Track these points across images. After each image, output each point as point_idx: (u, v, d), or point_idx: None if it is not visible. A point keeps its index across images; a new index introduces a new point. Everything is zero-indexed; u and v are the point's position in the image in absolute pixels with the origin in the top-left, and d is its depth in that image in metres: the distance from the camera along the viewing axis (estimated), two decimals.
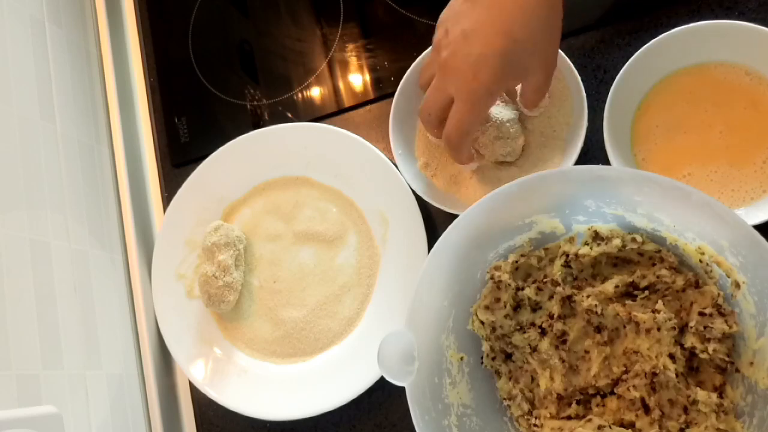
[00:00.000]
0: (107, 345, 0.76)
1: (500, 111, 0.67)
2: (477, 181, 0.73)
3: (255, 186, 0.81)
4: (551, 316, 0.61)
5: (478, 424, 0.61)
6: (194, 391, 0.80)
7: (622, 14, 0.73)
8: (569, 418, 0.60)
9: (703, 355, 0.55)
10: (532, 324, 0.62)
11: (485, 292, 0.62)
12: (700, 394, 0.54)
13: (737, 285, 0.54)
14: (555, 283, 0.60)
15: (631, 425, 0.58)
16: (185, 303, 0.79)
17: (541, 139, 0.70)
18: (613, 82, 0.66)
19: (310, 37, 0.86)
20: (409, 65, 0.74)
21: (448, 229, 0.59)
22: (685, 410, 0.56)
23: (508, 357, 0.63)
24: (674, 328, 0.56)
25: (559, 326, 0.60)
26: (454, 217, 0.60)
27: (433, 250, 0.58)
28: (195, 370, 0.76)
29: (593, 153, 0.69)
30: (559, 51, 0.69)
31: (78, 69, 0.86)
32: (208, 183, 0.81)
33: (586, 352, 0.60)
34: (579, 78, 0.68)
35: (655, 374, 0.56)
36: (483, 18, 0.56)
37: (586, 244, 0.60)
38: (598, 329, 0.60)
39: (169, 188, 0.86)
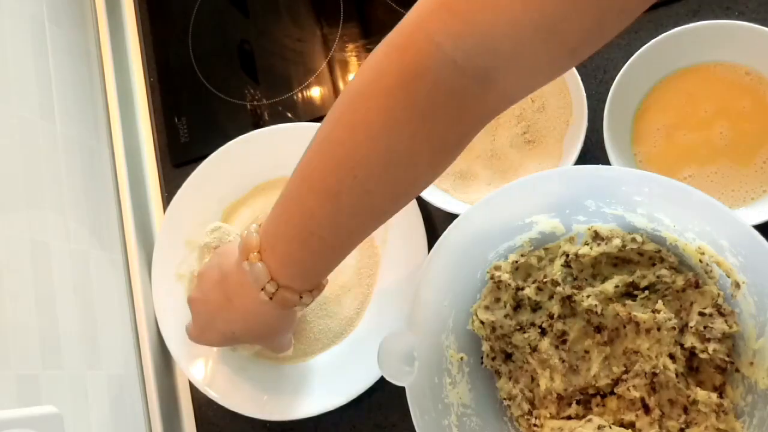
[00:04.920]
0: (107, 345, 0.76)
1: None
2: (477, 181, 0.73)
3: (255, 186, 0.81)
4: (551, 316, 0.61)
5: (478, 424, 0.61)
6: (194, 391, 0.80)
7: None
8: (569, 418, 0.60)
9: (703, 355, 0.55)
10: (532, 324, 0.62)
11: (485, 292, 0.62)
12: (700, 394, 0.54)
13: (737, 285, 0.54)
14: (555, 283, 0.60)
15: (631, 425, 0.58)
16: (185, 303, 0.79)
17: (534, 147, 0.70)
18: (613, 82, 0.66)
19: (310, 37, 0.86)
20: None
21: (448, 229, 0.59)
22: (685, 410, 0.56)
23: (508, 357, 0.63)
24: (674, 328, 0.56)
25: (559, 326, 0.60)
26: (454, 217, 0.60)
27: (433, 250, 0.58)
28: (195, 370, 0.76)
29: (593, 153, 0.69)
30: None
31: (78, 69, 0.86)
32: (208, 183, 0.81)
33: (586, 352, 0.60)
34: (579, 78, 0.68)
35: (655, 374, 0.56)
36: (217, 298, 0.63)
37: (586, 244, 0.60)
38: (598, 329, 0.60)
39: (169, 188, 0.86)
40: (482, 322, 0.61)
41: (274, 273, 0.57)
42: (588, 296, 0.59)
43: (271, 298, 0.58)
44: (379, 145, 0.48)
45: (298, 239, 0.55)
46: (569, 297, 0.60)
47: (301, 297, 0.59)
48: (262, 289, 0.57)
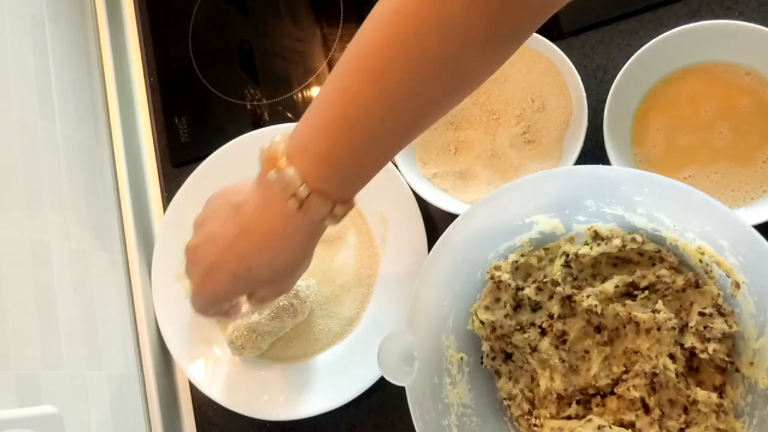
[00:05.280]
0: (107, 345, 0.76)
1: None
2: (477, 181, 0.73)
3: None
4: (551, 316, 0.61)
5: (478, 424, 0.61)
6: (194, 391, 0.80)
7: (622, 14, 0.73)
8: (569, 418, 0.60)
9: (703, 355, 0.55)
10: (532, 324, 0.62)
11: (485, 292, 0.62)
12: (700, 394, 0.54)
13: (737, 285, 0.54)
14: (555, 283, 0.60)
15: (631, 425, 0.58)
16: (185, 303, 0.79)
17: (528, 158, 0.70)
18: (613, 82, 0.66)
19: (310, 37, 0.86)
20: None
21: (448, 229, 0.59)
22: (685, 410, 0.56)
23: (508, 357, 0.63)
24: (674, 328, 0.56)
25: (559, 326, 0.60)
26: (454, 217, 0.60)
27: (433, 250, 0.58)
28: (195, 370, 0.76)
29: (593, 153, 0.69)
30: (559, 51, 0.69)
31: (78, 69, 0.86)
32: (208, 183, 0.81)
33: (586, 352, 0.60)
34: (579, 78, 0.68)
35: (655, 374, 0.56)
36: (229, 232, 0.54)
37: (586, 244, 0.60)
38: (598, 329, 0.60)
39: (169, 188, 0.86)
40: (482, 322, 0.61)
41: (306, 175, 0.49)
42: (588, 296, 0.59)
43: (300, 207, 0.50)
44: (431, 11, 0.43)
45: (336, 132, 0.48)
46: (569, 297, 0.60)
47: (333, 208, 0.51)
48: (293, 196, 0.49)
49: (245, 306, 0.65)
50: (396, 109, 0.47)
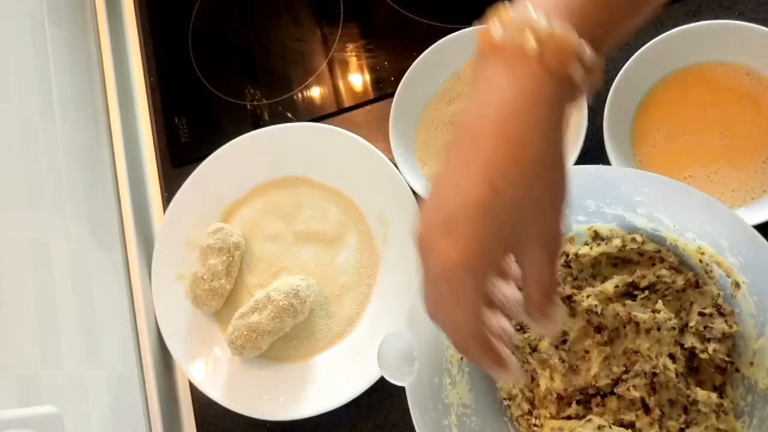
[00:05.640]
0: (107, 345, 0.76)
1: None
2: None
3: (255, 186, 0.81)
4: None
5: (478, 424, 0.61)
6: (194, 391, 0.80)
7: None
8: (569, 418, 0.60)
9: (703, 355, 0.55)
10: None
11: None
12: (700, 394, 0.54)
13: (737, 285, 0.54)
14: None
15: (631, 425, 0.58)
16: (185, 303, 0.79)
17: None
18: (613, 82, 0.66)
19: (310, 37, 0.86)
20: (409, 65, 0.74)
21: None
22: (685, 410, 0.56)
23: None
24: (674, 328, 0.56)
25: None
26: None
27: None
28: (195, 370, 0.76)
29: (593, 153, 0.69)
30: None
31: (78, 69, 0.86)
32: (208, 183, 0.81)
33: (586, 352, 0.60)
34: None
35: (655, 374, 0.56)
36: (459, 163, 0.38)
37: (586, 244, 0.60)
38: (598, 329, 0.60)
39: (169, 188, 0.86)
40: None
41: (543, 7, 0.37)
42: (588, 296, 0.59)
43: (541, 54, 0.36)
44: None
45: None
46: (569, 297, 0.60)
47: (582, 52, 0.37)
48: (527, 30, 0.37)
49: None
50: None
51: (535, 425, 0.61)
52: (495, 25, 0.38)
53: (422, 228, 0.39)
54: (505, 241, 0.38)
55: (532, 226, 0.38)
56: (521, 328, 0.62)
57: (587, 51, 0.37)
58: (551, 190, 0.39)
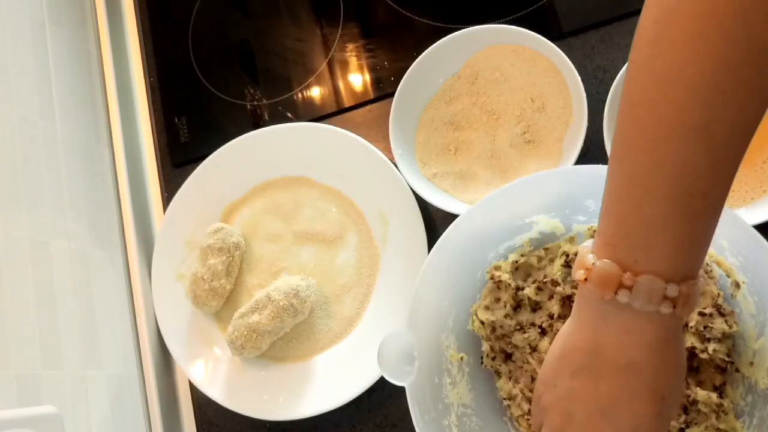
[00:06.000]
0: (107, 345, 0.76)
1: None
2: (477, 181, 0.73)
3: (255, 186, 0.81)
4: (551, 316, 0.61)
5: (478, 424, 0.61)
6: (194, 391, 0.80)
7: (622, 14, 0.73)
8: None
9: (703, 355, 0.55)
10: (532, 324, 0.62)
11: (485, 292, 0.62)
12: (700, 394, 0.54)
13: (737, 285, 0.54)
14: (555, 283, 0.60)
15: None
16: (185, 303, 0.79)
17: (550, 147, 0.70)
18: (613, 82, 0.66)
19: (310, 37, 0.86)
20: (409, 65, 0.74)
21: (448, 229, 0.59)
22: (685, 410, 0.56)
23: (508, 357, 0.63)
24: None
25: (559, 326, 0.60)
26: (454, 217, 0.60)
27: (433, 250, 0.58)
28: (195, 370, 0.76)
29: (593, 153, 0.69)
30: (560, 51, 0.69)
31: (78, 69, 0.86)
32: (208, 183, 0.81)
33: None
34: (579, 78, 0.68)
35: None
36: (620, 386, 0.44)
37: None
38: None
39: (169, 188, 0.86)
40: (482, 322, 0.61)
41: (660, 271, 0.41)
42: None
43: (674, 306, 0.42)
44: (735, 34, 0.36)
45: (674, 209, 0.40)
46: (569, 297, 0.60)
47: (696, 297, 0.43)
48: (663, 300, 0.42)
49: None
50: (727, 155, 0.39)
51: None
52: (612, 284, 0.42)
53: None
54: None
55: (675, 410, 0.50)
56: (521, 329, 0.62)
57: (678, 289, 0.42)
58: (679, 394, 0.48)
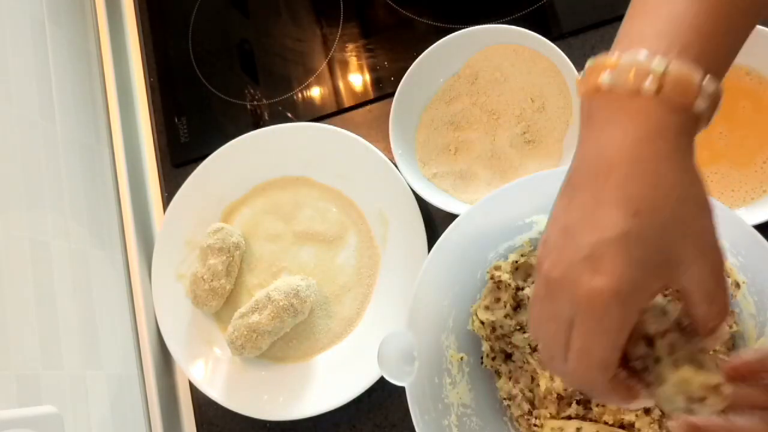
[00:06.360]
0: (107, 345, 0.76)
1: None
2: (477, 181, 0.73)
3: (255, 186, 0.81)
4: None
5: (478, 424, 0.61)
6: (194, 391, 0.80)
7: (622, 14, 0.73)
8: (569, 418, 0.60)
9: None
10: None
11: (485, 292, 0.62)
12: None
13: (737, 285, 0.54)
14: None
15: (631, 425, 0.58)
16: (185, 303, 0.79)
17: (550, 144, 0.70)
18: None
19: (310, 37, 0.86)
20: (409, 65, 0.74)
21: (448, 229, 0.59)
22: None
23: (508, 357, 0.63)
24: None
25: None
26: (454, 217, 0.60)
27: (433, 250, 0.59)
28: (195, 370, 0.76)
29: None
30: (559, 51, 0.69)
31: (78, 69, 0.86)
32: (208, 183, 0.81)
33: None
34: (579, 78, 0.67)
35: None
36: (586, 199, 0.37)
37: None
38: None
39: (169, 188, 0.86)
40: (482, 322, 0.61)
41: (655, 50, 0.37)
42: None
43: (658, 90, 0.36)
44: None
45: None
46: None
47: (701, 82, 0.37)
48: (645, 76, 0.36)
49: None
50: None
51: (535, 425, 0.61)
52: (599, 73, 0.38)
53: (558, 270, 0.37)
54: (659, 267, 0.36)
55: (689, 245, 0.37)
56: (521, 329, 0.62)
57: (710, 84, 0.37)
58: (700, 205, 0.38)
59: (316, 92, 0.84)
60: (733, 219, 0.51)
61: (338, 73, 0.84)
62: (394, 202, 0.74)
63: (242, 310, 0.73)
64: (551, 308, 0.38)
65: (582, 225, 0.37)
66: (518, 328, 0.62)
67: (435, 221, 0.74)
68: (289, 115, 0.84)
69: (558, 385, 0.60)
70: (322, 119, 0.82)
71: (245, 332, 0.72)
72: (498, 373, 0.63)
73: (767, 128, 0.64)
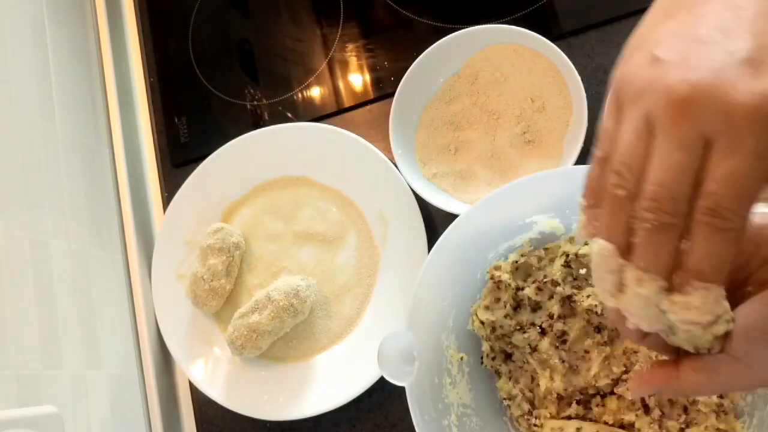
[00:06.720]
0: (107, 345, 0.76)
1: None
2: (477, 181, 0.73)
3: (255, 186, 0.81)
4: (551, 316, 0.61)
5: (478, 424, 0.61)
6: (194, 391, 0.80)
7: (622, 14, 0.73)
8: (569, 418, 0.60)
9: None
10: (532, 324, 0.62)
11: (485, 292, 0.62)
12: None
13: None
14: (555, 283, 0.60)
15: (631, 425, 0.58)
16: (185, 303, 0.79)
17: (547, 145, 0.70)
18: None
19: (310, 37, 0.86)
20: (409, 65, 0.74)
21: (448, 229, 0.59)
22: (685, 410, 0.56)
23: (508, 357, 0.63)
24: None
25: (559, 326, 0.60)
26: (454, 217, 0.60)
27: (433, 250, 0.58)
28: (195, 370, 0.76)
29: (593, 153, 0.69)
30: (559, 51, 0.69)
31: (78, 69, 0.86)
32: (208, 183, 0.81)
33: (586, 352, 0.60)
34: (579, 78, 0.68)
35: None
36: (718, 8, 0.33)
37: (586, 244, 0.60)
38: (598, 329, 0.60)
39: (169, 188, 0.86)
40: (482, 322, 0.61)
41: None
42: (588, 296, 0.59)
43: None
44: None
45: None
46: (569, 297, 0.60)
47: None
48: None
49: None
50: None
51: (535, 425, 0.61)
52: None
53: (690, 80, 0.31)
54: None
55: None
56: (521, 329, 0.62)
57: None
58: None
59: (316, 92, 0.84)
60: None
61: (338, 73, 0.84)
62: (394, 202, 0.74)
63: (242, 310, 0.73)
64: (678, 133, 0.32)
65: (728, 30, 0.32)
66: (518, 328, 0.62)
67: (435, 221, 0.74)
68: (289, 115, 0.84)
69: (558, 385, 0.60)
70: (322, 119, 0.82)
71: (245, 332, 0.72)
72: (498, 373, 0.64)
73: None
